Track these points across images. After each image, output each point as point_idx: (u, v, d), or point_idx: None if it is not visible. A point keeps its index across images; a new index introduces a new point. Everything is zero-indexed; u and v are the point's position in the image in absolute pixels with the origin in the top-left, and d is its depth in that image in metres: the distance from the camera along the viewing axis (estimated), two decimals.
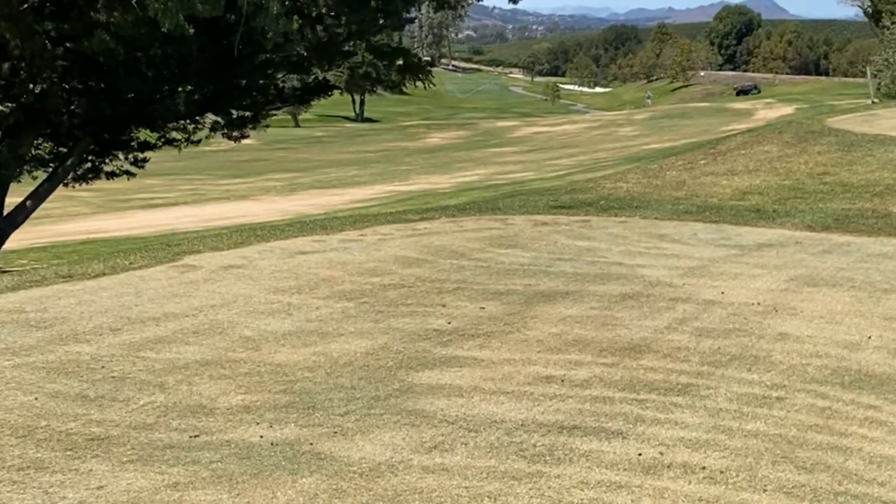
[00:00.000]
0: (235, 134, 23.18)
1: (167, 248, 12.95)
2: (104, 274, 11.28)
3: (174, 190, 48.79)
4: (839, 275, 11.61)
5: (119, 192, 43.76)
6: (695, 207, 15.75)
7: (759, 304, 10.37)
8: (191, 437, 7.01)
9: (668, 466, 6.53)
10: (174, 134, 23.52)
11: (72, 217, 36.88)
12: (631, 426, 7.20)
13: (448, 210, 16.15)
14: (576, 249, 12.81)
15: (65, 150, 22.31)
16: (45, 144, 22.46)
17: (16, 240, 21.46)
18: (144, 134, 24.11)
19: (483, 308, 10.14)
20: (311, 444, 6.91)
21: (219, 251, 12.51)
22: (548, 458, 6.73)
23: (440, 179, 45.14)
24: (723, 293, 10.97)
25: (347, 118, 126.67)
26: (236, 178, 55.08)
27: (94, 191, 31.69)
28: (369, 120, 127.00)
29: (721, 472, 6.44)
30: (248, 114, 22.72)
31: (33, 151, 22.00)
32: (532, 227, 14.33)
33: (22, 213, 21.34)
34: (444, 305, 10.19)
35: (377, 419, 7.35)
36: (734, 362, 8.65)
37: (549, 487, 6.28)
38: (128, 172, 24.32)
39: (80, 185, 24.09)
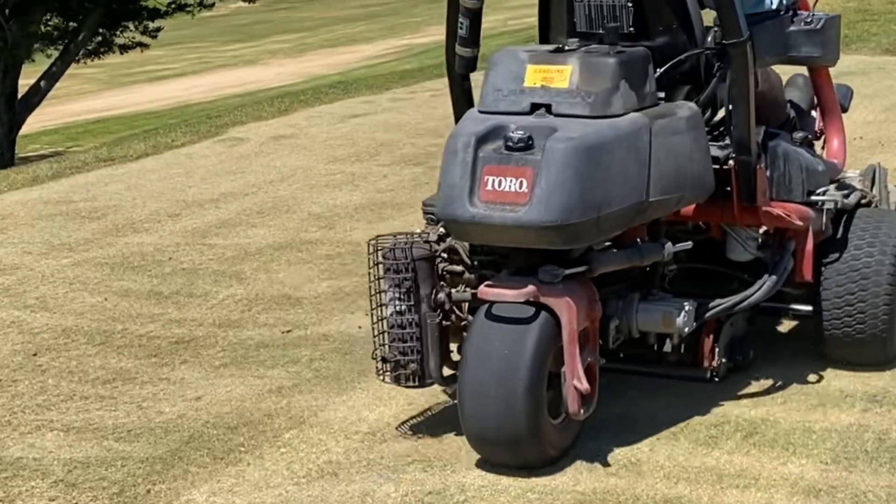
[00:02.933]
0: None
1: (207, 120, 12.15)
2: (147, 154, 10.52)
3: (179, 60, 47.63)
4: None
5: (123, 67, 42.65)
6: None
7: (861, 138, 9.59)
8: (283, 332, 6.33)
9: None
10: None
11: (78, 96, 35.88)
12: None
13: None
14: None
15: (75, 24, 21.45)
16: (55, 20, 21.60)
17: (25, 123, 20.61)
18: (154, 2, 23.21)
19: None
20: None
21: (263, 121, 11.71)
22: None
23: None
24: None
25: None
26: (241, 42, 53.85)
27: (98, 67, 30.69)
28: None
29: None
30: None
31: (43, 28, 21.13)
32: None
33: (37, 94, 20.58)
34: None
35: None
36: None
37: None
38: (140, 44, 23.49)
39: (93, 59, 23.27)
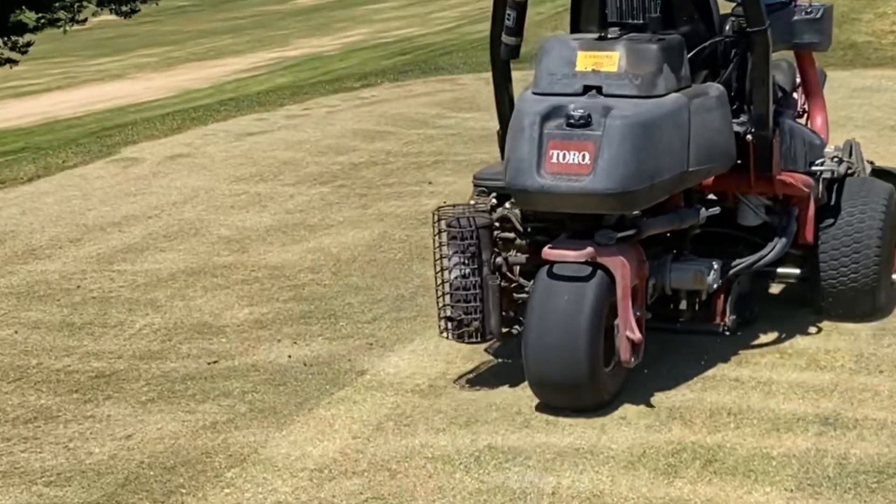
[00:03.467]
0: (125, 9, 21.84)
1: (97, 140, 11.77)
2: (38, 176, 10.15)
3: (43, 75, 46.49)
4: (835, 115, 10.82)
5: None
6: None
7: None
8: (209, 363, 6.09)
9: None
10: (60, 14, 22.05)
11: None
12: None
13: (387, 74, 15.05)
14: None
15: None
16: None
17: None
18: (23, 17, 22.63)
19: None
20: (349, 360, 6.03)
21: (156, 139, 11.39)
22: None
23: (323, 42, 43.51)
24: None
25: None
26: (105, 57, 52.83)
27: None
28: None
29: None
30: None
31: None
32: (487, 87, 13.19)
33: None
34: (429, 182, 9.27)
35: (411, 324, 6.48)
36: None
37: (633, 388, 5.50)
38: (10, 60, 22.89)
39: None
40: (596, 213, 5.20)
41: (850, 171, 6.29)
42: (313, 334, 6.39)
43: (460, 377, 5.71)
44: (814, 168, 6.05)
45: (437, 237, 5.58)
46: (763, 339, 5.98)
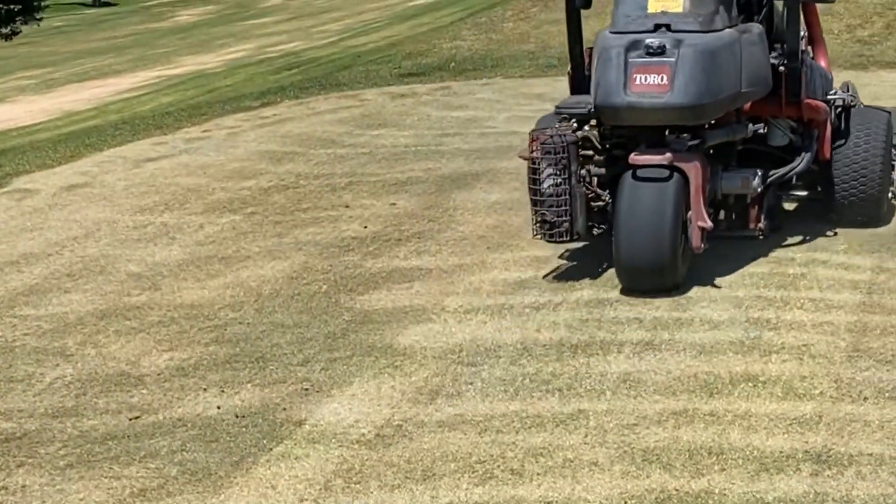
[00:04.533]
0: (6, 31, 21.07)
1: None
2: None
3: None
4: None
5: None
6: (556, 61, 14.43)
7: None
8: (130, 419, 5.54)
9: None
10: None
11: None
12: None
13: (286, 91, 14.45)
14: (456, 122, 11.40)
15: None
16: None
17: None
18: None
19: (394, 204, 8.74)
20: (285, 409, 5.52)
21: (50, 168, 10.73)
22: (579, 387, 5.50)
23: (206, 59, 42.71)
24: None
25: (84, 4, 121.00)
26: None
27: None
28: (107, 4, 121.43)
29: None
30: (17, 6, 20.57)
31: None
32: (392, 102, 12.81)
33: None
34: (347, 206, 8.76)
35: (347, 364, 5.98)
36: None
37: (600, 427, 5.06)
38: None
39: None
40: (668, 126, 6.48)
41: (852, 103, 7.48)
42: (242, 381, 5.86)
43: (410, 421, 5.23)
44: (829, 97, 7.32)
45: (531, 153, 6.54)
46: (732, 364, 5.59)
